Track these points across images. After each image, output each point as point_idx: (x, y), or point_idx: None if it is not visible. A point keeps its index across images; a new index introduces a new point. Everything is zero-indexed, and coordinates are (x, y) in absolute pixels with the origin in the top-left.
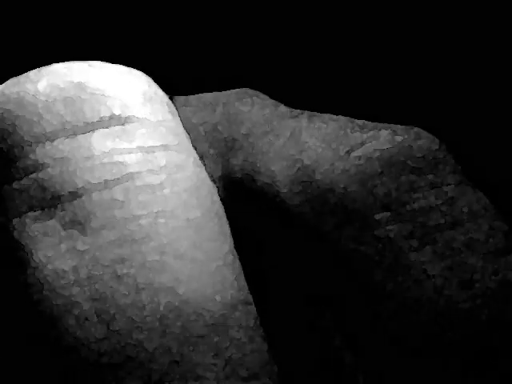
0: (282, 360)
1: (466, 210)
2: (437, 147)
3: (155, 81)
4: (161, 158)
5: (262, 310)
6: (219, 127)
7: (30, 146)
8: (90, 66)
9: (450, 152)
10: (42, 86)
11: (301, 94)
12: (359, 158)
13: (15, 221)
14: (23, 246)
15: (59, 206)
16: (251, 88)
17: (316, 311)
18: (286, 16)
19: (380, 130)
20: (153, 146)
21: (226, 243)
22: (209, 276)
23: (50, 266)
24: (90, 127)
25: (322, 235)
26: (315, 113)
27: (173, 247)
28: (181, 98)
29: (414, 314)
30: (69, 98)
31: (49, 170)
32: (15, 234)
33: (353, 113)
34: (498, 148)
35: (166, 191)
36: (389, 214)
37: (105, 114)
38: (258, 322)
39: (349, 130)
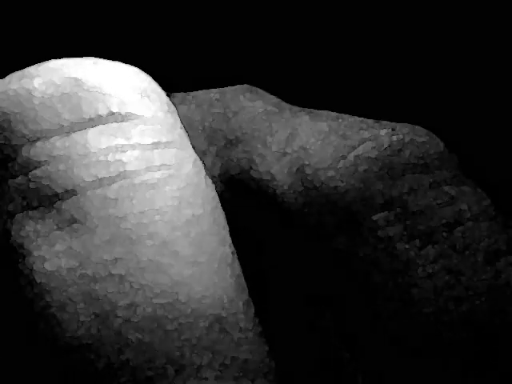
0: (282, 360)
1: (466, 210)
2: (438, 146)
3: (153, 78)
4: (158, 156)
5: (261, 309)
6: (218, 124)
7: (26, 143)
8: (87, 62)
9: (451, 151)
10: (38, 82)
11: (300, 91)
12: (359, 157)
13: (10, 219)
14: (18, 245)
15: (54, 204)
16: (250, 84)
17: (316, 311)
18: (285, 12)
19: (380, 128)
20: (150, 144)
21: (225, 242)
22: (206, 276)
23: (44, 266)
24: (87, 124)
25: (322, 235)
26: (315, 110)
27: (170, 247)
28: (179, 95)
29: (414, 314)
30: (65, 94)
31: (44, 167)
32: (10, 232)
33: (353, 110)
34: (499, 147)
35: (164, 189)
36: (389, 213)
37: (102, 111)
38: (257, 322)
39: (349, 128)
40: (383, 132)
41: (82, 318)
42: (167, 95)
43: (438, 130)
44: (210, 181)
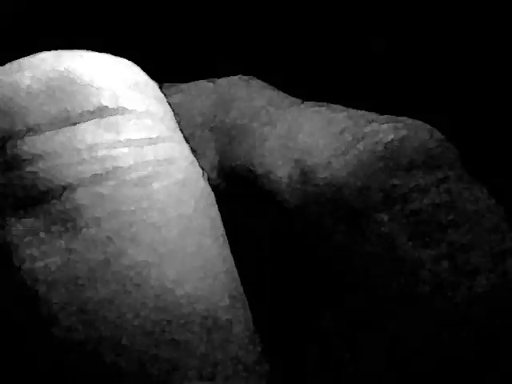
0: (282, 360)
1: (469, 208)
2: (440, 141)
3: (144, 70)
4: (151, 151)
5: (260, 308)
6: (217, 116)
7: (13, 140)
8: (76, 55)
9: (455, 148)
10: (25, 76)
11: (301, 83)
12: (360, 153)
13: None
14: (7, 244)
15: (44, 202)
16: (250, 74)
17: (316, 311)
18: (284, 5)
19: (381, 122)
20: (142, 139)
21: (218, 240)
22: (200, 276)
23: (34, 265)
24: (77, 119)
25: (322, 232)
26: (315, 102)
27: (162, 245)
28: (174, 85)
29: (415, 314)
30: (54, 88)
31: (32, 165)
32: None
33: (353, 102)
34: (504, 143)
35: (156, 185)
36: (390, 211)
37: (92, 105)
38: (251, 321)
39: (350, 123)
40: (384, 127)
41: (71, 320)
42: (160, 86)
43: (441, 124)
44: (204, 176)
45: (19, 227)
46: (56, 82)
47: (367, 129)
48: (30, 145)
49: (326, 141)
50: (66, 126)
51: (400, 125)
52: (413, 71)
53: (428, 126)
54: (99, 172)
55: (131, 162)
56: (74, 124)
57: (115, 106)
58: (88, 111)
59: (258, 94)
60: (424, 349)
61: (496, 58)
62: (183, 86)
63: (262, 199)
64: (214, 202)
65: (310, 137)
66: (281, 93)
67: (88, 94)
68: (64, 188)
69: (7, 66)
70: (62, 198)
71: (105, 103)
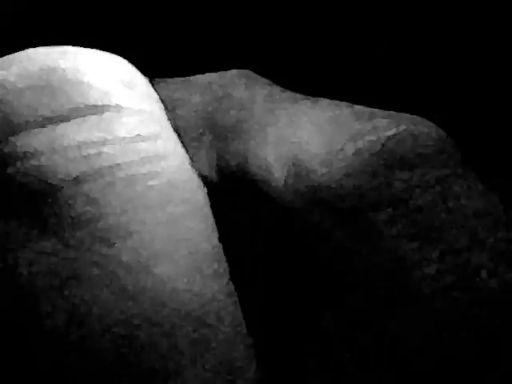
0: (281, 360)
1: (469, 207)
2: (441, 138)
3: (139, 67)
4: (141, 149)
5: (254, 306)
6: (213, 111)
7: None
8: (65, 51)
9: (458, 146)
10: (12, 73)
11: (299, 77)
12: (358, 151)
13: None
14: (1, 246)
15: (31, 203)
16: (247, 69)
17: (316, 311)
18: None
19: (380, 118)
20: (133, 136)
21: (209, 239)
22: (189, 276)
23: (21, 270)
24: (64, 117)
25: (320, 232)
26: (313, 97)
27: (152, 245)
28: (165, 82)
29: (415, 314)
30: (41, 85)
31: (17, 165)
32: None
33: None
34: (503, 145)
35: (147, 184)
36: (389, 211)
37: (81, 102)
38: (243, 323)
39: (348, 119)
40: (384, 123)
41: (60, 323)
42: (152, 81)
43: (442, 124)
44: (195, 174)
45: (6, 229)
46: (44, 79)
47: (366, 125)
48: (15, 144)
49: (323, 138)
50: (53, 124)
51: (399, 121)
52: (413, 70)
53: (428, 123)
54: (88, 171)
55: (121, 161)
56: (62, 122)
57: (105, 104)
58: (76, 108)
59: (255, 89)
60: (424, 349)
61: (497, 57)
62: (178, 81)
63: (257, 197)
64: (207, 200)
65: (307, 135)
66: (278, 88)
67: (77, 91)
68: (50, 188)
69: None
70: (49, 199)
71: (94, 100)
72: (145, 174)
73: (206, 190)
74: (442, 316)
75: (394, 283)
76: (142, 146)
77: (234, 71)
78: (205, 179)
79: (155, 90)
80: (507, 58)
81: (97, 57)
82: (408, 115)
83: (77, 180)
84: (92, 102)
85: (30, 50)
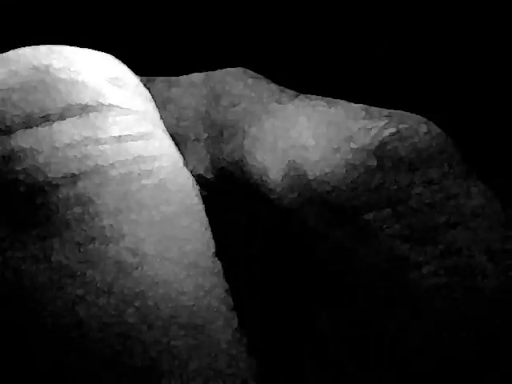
0: (280, 361)
1: (468, 206)
2: (439, 137)
3: (127, 64)
4: (134, 148)
5: (250, 306)
6: (208, 110)
7: None
8: (56, 49)
9: (458, 146)
10: (2, 72)
11: (297, 75)
12: (356, 150)
13: None
14: None
15: (23, 204)
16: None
17: (312, 312)
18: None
19: (377, 117)
20: (124, 136)
21: (203, 239)
22: (182, 277)
23: (11, 273)
24: (55, 116)
25: (318, 232)
26: (311, 95)
27: (145, 246)
28: (157, 80)
29: (415, 314)
30: (31, 85)
31: (9, 165)
32: None
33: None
34: (503, 145)
35: (139, 184)
36: (388, 211)
37: (74, 101)
38: (237, 324)
39: (347, 118)
40: (380, 122)
41: (51, 327)
42: (145, 80)
43: (441, 120)
44: (189, 174)
45: (3, 227)
46: (31, 79)
47: (362, 124)
48: (6, 145)
49: (319, 137)
50: (43, 124)
51: (398, 120)
52: (413, 70)
53: (426, 120)
54: (80, 171)
55: (113, 160)
56: (55, 121)
57: (96, 103)
58: (70, 107)
59: (252, 86)
60: (424, 349)
61: (497, 57)
62: (171, 79)
63: (254, 197)
64: (200, 199)
65: (304, 134)
66: (275, 85)
67: (67, 90)
68: (41, 189)
69: None
70: (40, 200)
71: (85, 99)
72: (136, 174)
73: (199, 188)
74: (441, 316)
75: (394, 283)
76: (135, 145)
77: (230, 69)
78: (200, 178)
79: (148, 88)
80: (507, 58)
81: (90, 56)
82: (407, 114)
83: (70, 179)
84: (85, 101)
85: (22, 49)
